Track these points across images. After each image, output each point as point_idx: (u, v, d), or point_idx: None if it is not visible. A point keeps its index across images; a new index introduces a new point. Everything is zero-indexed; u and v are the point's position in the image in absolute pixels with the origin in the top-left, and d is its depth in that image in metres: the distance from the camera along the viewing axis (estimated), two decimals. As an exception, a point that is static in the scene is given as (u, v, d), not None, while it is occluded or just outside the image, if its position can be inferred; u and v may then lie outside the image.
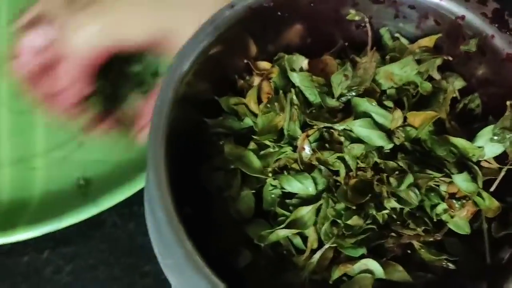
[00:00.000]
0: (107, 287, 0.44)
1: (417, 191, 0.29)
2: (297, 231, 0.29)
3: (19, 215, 0.43)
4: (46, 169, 0.46)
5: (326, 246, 0.28)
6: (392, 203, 0.30)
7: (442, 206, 0.30)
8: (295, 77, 0.33)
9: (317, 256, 0.28)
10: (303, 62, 0.35)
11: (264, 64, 0.36)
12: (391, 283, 0.29)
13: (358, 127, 0.31)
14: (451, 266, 0.29)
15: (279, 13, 0.34)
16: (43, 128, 0.48)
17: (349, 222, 0.28)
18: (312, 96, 0.32)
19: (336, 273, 0.29)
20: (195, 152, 0.34)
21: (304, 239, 0.29)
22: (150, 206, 0.27)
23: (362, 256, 0.28)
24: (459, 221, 0.30)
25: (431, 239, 0.29)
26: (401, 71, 0.33)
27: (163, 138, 0.28)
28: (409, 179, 0.29)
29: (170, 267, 0.26)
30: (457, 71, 0.34)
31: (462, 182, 0.29)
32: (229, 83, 0.36)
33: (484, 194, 0.30)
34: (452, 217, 0.30)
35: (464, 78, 0.34)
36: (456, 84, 0.33)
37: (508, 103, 0.30)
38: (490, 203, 0.30)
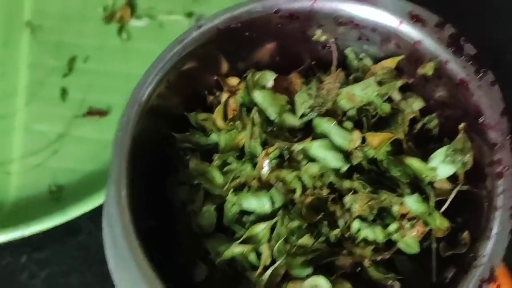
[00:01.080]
0: (79, 293, 0.46)
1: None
2: (250, 247, 0.30)
3: None
4: (20, 175, 0.48)
5: (277, 264, 0.29)
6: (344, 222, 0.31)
7: (394, 226, 0.31)
8: (257, 95, 0.34)
9: (268, 273, 0.29)
10: (270, 79, 0.36)
11: (233, 81, 0.37)
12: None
13: (316, 148, 0.32)
14: (396, 286, 0.30)
15: (247, 34, 0.36)
16: (21, 134, 0.50)
17: (300, 241, 0.29)
18: (273, 114, 0.34)
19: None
20: (163, 165, 0.35)
21: (259, 255, 0.31)
22: (109, 221, 0.28)
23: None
24: (409, 240, 0.31)
25: (380, 258, 0.30)
26: (362, 92, 0.34)
27: (126, 153, 0.30)
28: (362, 199, 0.30)
29: (125, 281, 0.27)
30: (418, 93, 0.35)
31: (413, 203, 0.31)
32: (201, 99, 0.38)
33: (436, 214, 0.31)
34: (402, 236, 0.31)
35: (424, 99, 0.35)
36: (416, 105, 0.35)
37: (460, 126, 0.32)
38: (440, 223, 0.31)
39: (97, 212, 0.45)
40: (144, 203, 0.31)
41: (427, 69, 0.34)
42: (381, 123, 0.34)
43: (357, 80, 0.35)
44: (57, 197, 0.47)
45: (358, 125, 0.34)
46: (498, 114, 0.31)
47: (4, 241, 0.43)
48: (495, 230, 0.29)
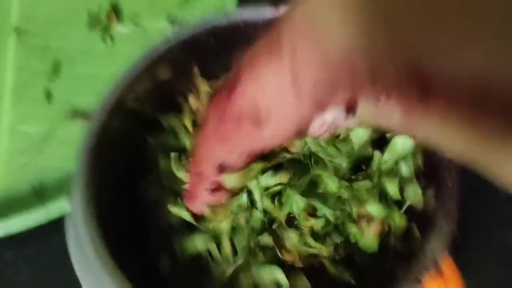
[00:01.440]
0: (63, 288, 0.48)
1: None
2: (212, 241, 0.32)
3: None
4: (5, 175, 0.50)
5: (239, 262, 0.32)
6: (309, 222, 0.33)
7: (353, 228, 0.33)
8: None
9: (230, 270, 0.32)
10: None
11: (205, 85, 0.39)
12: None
13: None
14: (353, 282, 0.32)
15: (215, 43, 0.38)
16: (7, 134, 0.52)
17: (261, 240, 0.31)
18: None
19: (246, 284, 0.32)
20: (139, 166, 0.37)
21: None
22: (74, 223, 0.31)
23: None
24: (368, 240, 0.33)
25: (337, 256, 0.32)
26: None
27: (91, 155, 0.32)
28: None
29: (90, 282, 0.30)
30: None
31: (375, 210, 0.33)
32: (175, 102, 0.40)
33: (396, 214, 0.33)
34: (362, 237, 0.33)
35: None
36: None
37: None
38: (399, 223, 0.33)
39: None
40: (113, 203, 0.33)
41: None
42: None
43: None
44: (41, 196, 0.49)
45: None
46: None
47: None
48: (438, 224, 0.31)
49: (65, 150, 0.51)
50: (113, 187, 0.33)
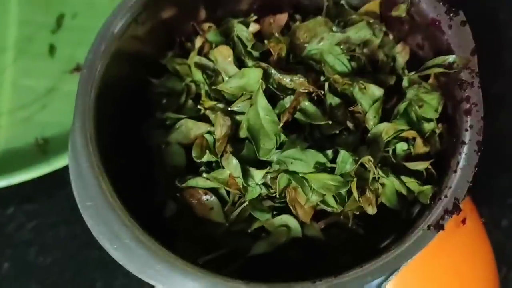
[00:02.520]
0: (66, 244, 0.47)
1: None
2: (214, 185, 0.31)
3: None
4: (8, 128, 0.49)
5: (245, 204, 0.30)
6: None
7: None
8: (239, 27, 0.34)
9: (237, 211, 0.30)
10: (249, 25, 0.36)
11: (213, 28, 0.38)
12: (307, 241, 0.31)
13: None
14: (361, 231, 0.31)
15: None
16: (10, 88, 0.51)
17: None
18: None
19: (256, 224, 0.31)
20: (139, 109, 0.36)
21: (228, 191, 0.31)
22: (73, 152, 0.29)
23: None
24: (389, 195, 0.31)
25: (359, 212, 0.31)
26: (356, 35, 0.34)
27: (93, 88, 0.31)
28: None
29: (88, 208, 0.28)
30: (393, 36, 0.35)
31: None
32: (176, 45, 0.38)
33: None
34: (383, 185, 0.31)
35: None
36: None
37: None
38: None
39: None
40: (116, 141, 0.32)
41: (400, 11, 0.34)
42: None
43: (345, 25, 0.35)
44: (44, 150, 0.48)
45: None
46: (468, 53, 0.31)
47: None
48: (461, 164, 0.29)
49: (68, 104, 0.50)
50: (117, 128, 0.32)
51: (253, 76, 0.32)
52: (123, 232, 0.27)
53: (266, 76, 0.32)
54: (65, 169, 0.46)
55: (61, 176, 0.47)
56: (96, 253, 0.46)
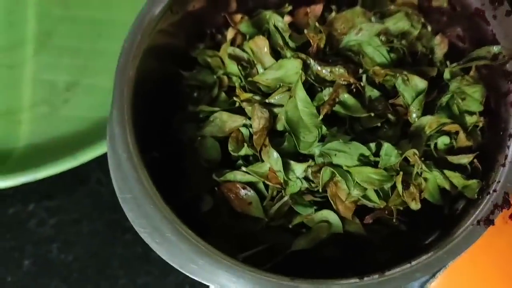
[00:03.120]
0: (89, 241, 0.46)
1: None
2: (253, 179, 0.30)
3: (0, 165, 0.45)
4: (31, 123, 0.48)
5: (285, 198, 0.29)
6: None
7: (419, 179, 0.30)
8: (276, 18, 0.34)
9: (276, 206, 0.29)
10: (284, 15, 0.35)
11: (244, 20, 0.37)
12: (348, 236, 0.30)
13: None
14: (403, 227, 0.30)
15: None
16: (30, 83, 0.50)
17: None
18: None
19: (297, 219, 0.30)
20: (170, 102, 0.35)
21: (266, 185, 0.31)
22: (112, 143, 0.29)
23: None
24: (432, 191, 0.30)
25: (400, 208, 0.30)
26: (395, 26, 0.33)
27: (130, 79, 0.30)
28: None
29: (128, 201, 0.28)
30: (433, 28, 0.35)
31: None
32: (206, 37, 0.37)
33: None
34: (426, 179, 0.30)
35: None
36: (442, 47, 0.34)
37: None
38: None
39: (105, 161, 0.46)
40: (149, 136, 0.31)
41: (442, 1, 0.33)
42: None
43: (383, 16, 0.34)
44: (66, 145, 0.47)
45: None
46: (515, 44, 0.30)
47: (14, 185, 0.44)
48: (510, 157, 0.29)
49: (90, 99, 0.50)
50: (150, 121, 0.31)
51: (291, 67, 0.31)
52: (165, 226, 0.27)
53: (305, 68, 0.31)
54: (85, 165, 0.45)
55: (81, 172, 0.46)
56: (119, 250, 0.46)
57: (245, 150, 0.31)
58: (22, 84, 0.51)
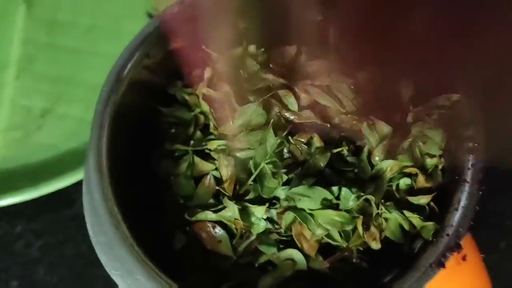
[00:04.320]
0: (73, 262, 0.48)
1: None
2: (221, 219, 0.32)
3: None
4: (3, 147, 0.50)
5: (252, 237, 0.31)
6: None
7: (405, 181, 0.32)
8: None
9: (244, 244, 0.31)
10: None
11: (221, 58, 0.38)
12: (312, 273, 0.32)
13: None
14: (364, 265, 0.32)
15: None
16: (8, 107, 0.52)
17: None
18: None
19: (263, 258, 0.32)
20: (147, 138, 0.37)
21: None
22: (88, 187, 0.30)
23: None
24: (393, 228, 0.32)
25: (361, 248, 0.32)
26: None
27: (106, 121, 0.31)
28: None
29: (102, 244, 0.29)
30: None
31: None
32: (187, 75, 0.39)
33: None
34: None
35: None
36: None
37: None
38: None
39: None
40: (126, 172, 0.33)
41: None
42: None
43: None
44: (34, 173, 0.48)
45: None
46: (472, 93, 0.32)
47: None
48: (463, 202, 0.30)
49: (62, 128, 0.51)
50: (127, 158, 0.33)
51: (254, 112, 0.33)
52: (136, 269, 0.28)
53: (269, 110, 0.33)
54: (71, 188, 0.47)
55: (67, 195, 0.48)
56: (102, 272, 0.47)
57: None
58: (1, 106, 0.52)
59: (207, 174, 0.34)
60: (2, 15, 0.55)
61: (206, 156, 0.35)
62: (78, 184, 0.47)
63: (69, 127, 0.51)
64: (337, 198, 0.31)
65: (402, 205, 0.32)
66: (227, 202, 0.31)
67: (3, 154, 0.50)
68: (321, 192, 0.31)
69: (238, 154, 0.33)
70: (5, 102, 0.52)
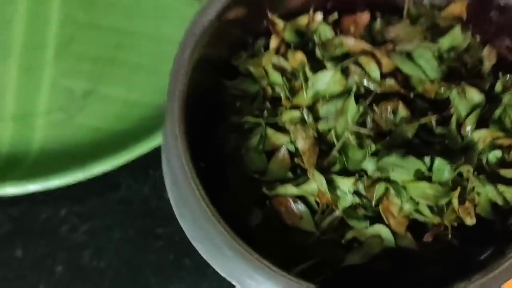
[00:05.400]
0: (121, 247, 0.46)
1: None
2: (304, 193, 0.30)
3: (12, 171, 0.45)
4: (45, 129, 0.48)
5: (337, 213, 0.29)
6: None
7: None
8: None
9: (328, 220, 0.29)
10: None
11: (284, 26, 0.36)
12: (400, 251, 0.30)
13: None
14: (455, 242, 0.30)
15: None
16: (48, 88, 0.50)
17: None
18: None
19: (350, 234, 0.30)
20: (213, 112, 0.35)
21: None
22: (167, 159, 0.29)
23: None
24: (483, 204, 0.30)
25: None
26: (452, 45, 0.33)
27: (179, 97, 0.30)
28: None
29: (184, 216, 0.28)
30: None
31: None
32: (252, 45, 0.37)
33: None
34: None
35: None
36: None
37: None
38: None
39: (135, 167, 0.46)
40: (195, 148, 0.31)
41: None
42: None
43: (435, 32, 0.34)
44: (77, 155, 0.46)
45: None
46: None
47: (24, 193, 0.43)
48: None
49: (105, 109, 0.49)
50: (198, 134, 0.31)
51: (332, 80, 0.31)
52: (222, 242, 0.27)
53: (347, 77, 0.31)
54: (117, 171, 0.45)
55: (112, 179, 0.46)
56: (151, 257, 0.46)
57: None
58: (40, 88, 0.50)
59: (280, 147, 0.32)
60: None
61: (278, 129, 0.33)
62: (123, 168, 0.45)
63: (112, 109, 0.49)
64: (429, 170, 0.29)
65: (494, 179, 0.30)
66: (313, 173, 0.29)
67: (46, 136, 0.48)
68: (414, 163, 0.29)
69: (317, 125, 0.31)
70: (46, 83, 0.50)
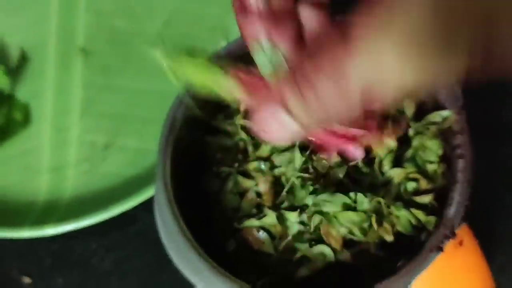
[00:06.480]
0: (141, 272, 0.57)
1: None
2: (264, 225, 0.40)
3: (50, 215, 0.56)
4: (75, 178, 0.59)
5: (289, 238, 0.40)
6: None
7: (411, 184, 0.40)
8: None
9: (282, 244, 0.40)
10: None
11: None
12: (340, 263, 0.40)
13: None
14: (382, 254, 0.39)
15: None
16: (75, 144, 0.61)
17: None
18: None
19: (299, 254, 0.40)
20: (199, 163, 0.46)
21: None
22: (159, 210, 0.39)
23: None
24: (404, 224, 0.40)
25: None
26: None
27: (168, 155, 0.40)
28: None
29: (174, 250, 0.38)
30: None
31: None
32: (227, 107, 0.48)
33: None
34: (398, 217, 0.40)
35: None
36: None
37: None
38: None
39: (148, 204, 0.56)
40: (184, 196, 0.42)
41: None
42: None
43: None
44: (103, 199, 0.57)
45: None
46: (458, 109, 0.40)
47: (60, 233, 0.54)
48: (455, 199, 0.38)
49: (123, 157, 0.60)
50: (183, 182, 0.42)
51: None
52: (202, 266, 0.37)
53: None
54: (133, 209, 0.56)
55: (130, 215, 0.57)
56: (165, 278, 0.56)
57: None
58: (69, 144, 0.61)
59: (249, 189, 0.43)
60: (63, 66, 0.65)
61: (247, 175, 0.43)
62: (139, 205, 0.56)
63: (128, 157, 0.60)
64: (354, 201, 0.39)
65: (409, 204, 0.40)
66: (267, 211, 0.40)
67: (75, 184, 0.59)
68: (341, 198, 0.39)
69: (273, 172, 0.41)
70: (74, 139, 0.61)
